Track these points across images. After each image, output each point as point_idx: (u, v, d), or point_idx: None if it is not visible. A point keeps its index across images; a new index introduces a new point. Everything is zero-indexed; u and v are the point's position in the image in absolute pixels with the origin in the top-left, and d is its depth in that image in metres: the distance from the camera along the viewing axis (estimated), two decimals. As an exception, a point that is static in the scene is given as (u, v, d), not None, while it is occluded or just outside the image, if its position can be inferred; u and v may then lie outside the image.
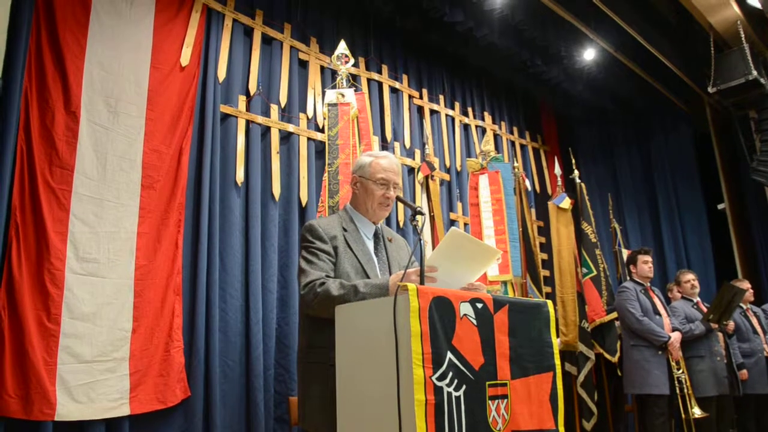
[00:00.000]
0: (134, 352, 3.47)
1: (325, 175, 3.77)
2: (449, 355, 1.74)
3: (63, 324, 3.21)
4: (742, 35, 6.13)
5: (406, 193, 5.42)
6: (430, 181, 4.77)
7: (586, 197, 5.77)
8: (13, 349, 3.03)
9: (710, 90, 6.40)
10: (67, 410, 3.11)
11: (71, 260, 3.32)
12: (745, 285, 5.42)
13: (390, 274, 2.26)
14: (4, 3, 2.74)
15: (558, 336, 5.22)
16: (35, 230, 3.23)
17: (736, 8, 5.99)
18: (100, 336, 3.34)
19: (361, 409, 1.80)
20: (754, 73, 6.04)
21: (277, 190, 4.46)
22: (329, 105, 3.89)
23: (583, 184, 5.83)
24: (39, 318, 3.14)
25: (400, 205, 5.16)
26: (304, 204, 4.58)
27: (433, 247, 4.26)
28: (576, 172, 5.94)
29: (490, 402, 1.83)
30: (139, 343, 3.50)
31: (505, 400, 1.88)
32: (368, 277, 2.20)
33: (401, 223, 5.26)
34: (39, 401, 3.02)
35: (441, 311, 1.75)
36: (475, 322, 1.85)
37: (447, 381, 1.72)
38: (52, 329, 3.17)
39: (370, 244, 2.34)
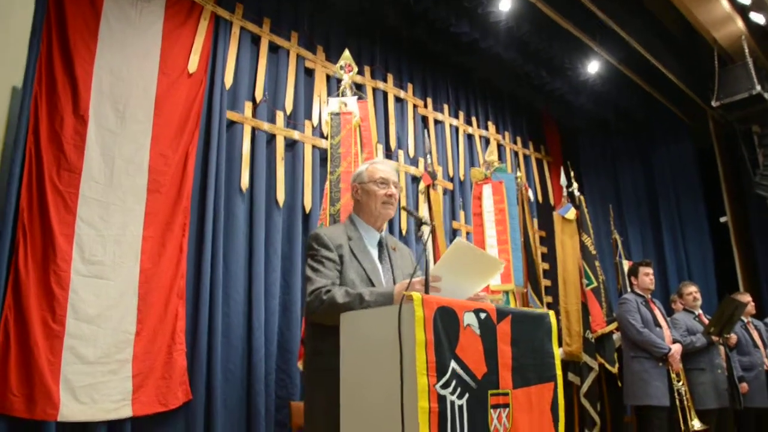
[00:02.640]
0: (137, 354, 3.49)
1: (327, 183, 3.80)
2: (453, 364, 1.77)
3: (68, 325, 3.24)
4: (746, 50, 6.17)
5: (410, 202, 5.45)
6: (431, 191, 4.80)
7: (585, 209, 5.78)
8: (18, 348, 3.06)
9: (714, 104, 6.42)
10: (70, 410, 3.13)
11: (77, 262, 3.35)
12: (746, 298, 5.42)
13: (394, 282, 2.29)
14: (25, 18, 2.75)
15: (561, 346, 5.22)
16: (42, 232, 3.26)
17: (740, 23, 6.03)
18: (104, 338, 3.37)
19: (365, 415, 1.82)
20: (758, 87, 6.06)
21: (281, 196, 4.49)
22: (332, 114, 3.91)
23: (582, 197, 5.84)
24: (44, 318, 3.17)
25: (403, 213, 5.18)
26: (307, 211, 4.61)
27: (434, 256, 4.28)
28: (575, 184, 5.95)
29: (492, 410, 1.85)
30: (142, 346, 3.52)
31: (507, 409, 1.90)
32: (373, 286, 2.22)
33: (404, 232, 5.28)
34: (42, 401, 3.04)
35: (445, 321, 1.78)
36: (478, 331, 1.87)
37: (450, 389, 1.74)
38: (57, 330, 3.19)
39: (375, 253, 2.37)
